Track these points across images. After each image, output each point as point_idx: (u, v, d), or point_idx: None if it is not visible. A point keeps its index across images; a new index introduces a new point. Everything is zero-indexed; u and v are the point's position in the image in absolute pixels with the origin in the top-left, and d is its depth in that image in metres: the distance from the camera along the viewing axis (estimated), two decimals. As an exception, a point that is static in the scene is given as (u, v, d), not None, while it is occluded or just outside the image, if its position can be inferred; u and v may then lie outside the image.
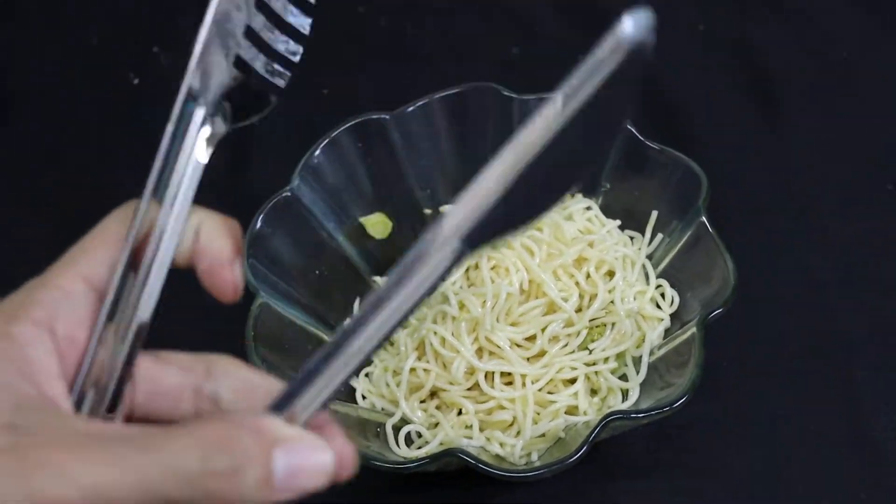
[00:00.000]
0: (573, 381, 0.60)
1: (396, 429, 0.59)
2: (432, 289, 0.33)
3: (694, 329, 0.56)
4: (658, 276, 0.64)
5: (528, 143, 0.32)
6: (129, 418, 0.37)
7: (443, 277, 0.33)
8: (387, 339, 0.34)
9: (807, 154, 0.75)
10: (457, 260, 0.33)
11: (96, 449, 0.30)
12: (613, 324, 0.61)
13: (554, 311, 0.61)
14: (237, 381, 0.37)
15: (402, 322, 0.33)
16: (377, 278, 0.67)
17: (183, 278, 0.40)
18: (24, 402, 0.32)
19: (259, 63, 0.37)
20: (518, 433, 0.59)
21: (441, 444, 0.58)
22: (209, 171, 0.79)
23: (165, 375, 0.37)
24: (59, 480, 0.30)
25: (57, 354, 0.34)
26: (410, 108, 0.67)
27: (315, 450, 0.32)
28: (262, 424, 0.32)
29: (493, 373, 0.60)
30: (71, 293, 0.35)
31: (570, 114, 0.31)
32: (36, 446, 0.30)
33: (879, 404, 0.63)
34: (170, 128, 0.38)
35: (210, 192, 0.76)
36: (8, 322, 0.34)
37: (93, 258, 0.36)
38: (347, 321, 0.36)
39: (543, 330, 0.60)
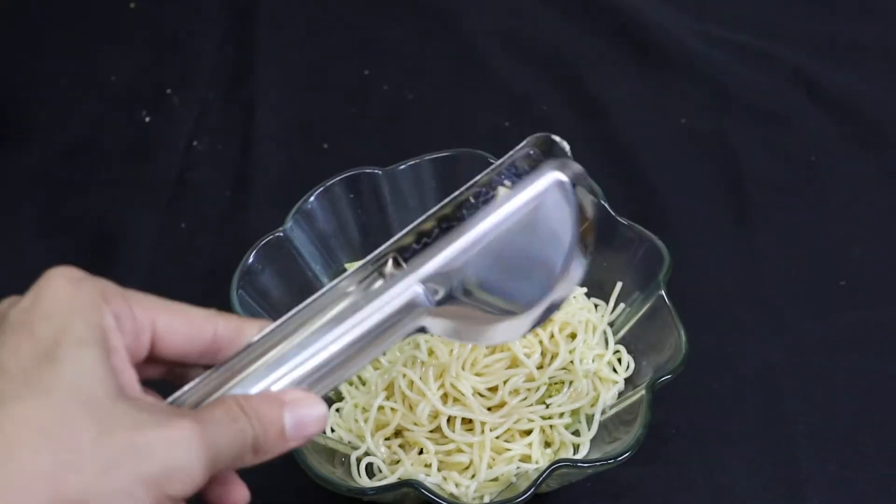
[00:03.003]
0: (529, 432, 0.64)
1: (360, 460, 0.63)
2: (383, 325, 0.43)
3: (643, 391, 0.60)
4: (617, 342, 0.68)
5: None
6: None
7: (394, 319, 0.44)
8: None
9: (769, 246, 0.80)
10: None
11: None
12: (571, 382, 0.65)
13: (517, 365, 0.65)
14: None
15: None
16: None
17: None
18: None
19: None
20: (473, 475, 0.63)
21: (400, 478, 0.62)
22: (206, 210, 0.84)
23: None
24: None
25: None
26: (402, 167, 0.71)
27: (312, 405, 0.41)
28: (273, 394, 0.41)
29: (456, 418, 0.64)
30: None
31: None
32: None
33: (815, 483, 0.67)
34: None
35: (207, 230, 0.82)
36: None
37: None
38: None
39: (505, 382, 0.64)
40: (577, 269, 0.43)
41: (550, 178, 0.43)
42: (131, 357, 0.40)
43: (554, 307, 0.44)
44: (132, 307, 0.40)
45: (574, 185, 0.43)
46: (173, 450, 0.36)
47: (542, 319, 0.44)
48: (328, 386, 0.43)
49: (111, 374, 0.37)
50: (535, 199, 0.43)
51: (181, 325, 0.41)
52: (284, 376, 0.42)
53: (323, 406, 0.42)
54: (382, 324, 0.44)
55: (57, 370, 0.36)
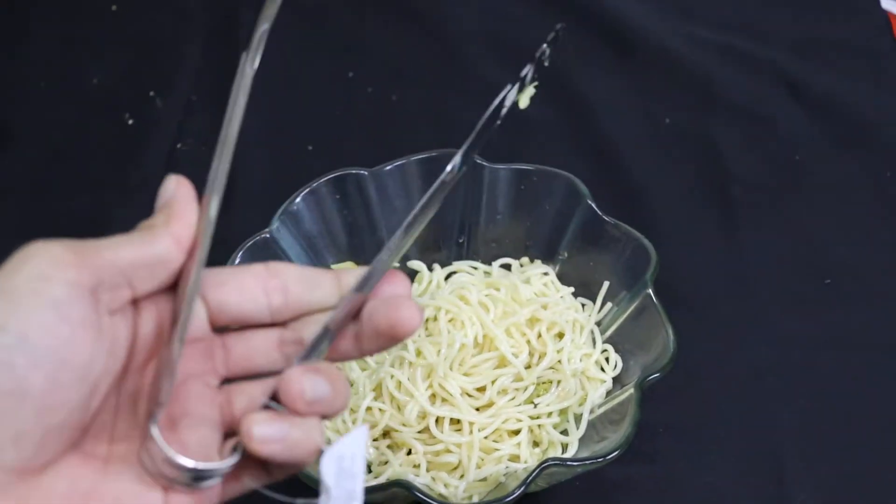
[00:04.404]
0: (517, 431, 0.64)
1: (348, 461, 0.63)
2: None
3: (632, 390, 0.60)
4: (604, 342, 0.68)
5: None
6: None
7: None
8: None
9: (754, 245, 0.80)
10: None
11: None
12: (559, 382, 0.65)
13: (505, 365, 0.65)
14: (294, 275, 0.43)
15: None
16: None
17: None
18: None
19: None
20: (462, 476, 0.63)
21: (389, 479, 0.62)
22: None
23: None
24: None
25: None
26: (388, 167, 0.71)
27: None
28: None
29: (444, 418, 0.64)
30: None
31: None
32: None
33: (801, 481, 0.67)
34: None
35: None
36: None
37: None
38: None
39: (493, 382, 0.64)
40: None
41: None
42: None
43: None
44: None
45: None
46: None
47: None
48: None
49: None
50: None
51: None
52: None
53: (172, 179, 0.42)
54: None
55: None
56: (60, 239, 0.39)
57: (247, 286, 0.42)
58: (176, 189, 0.42)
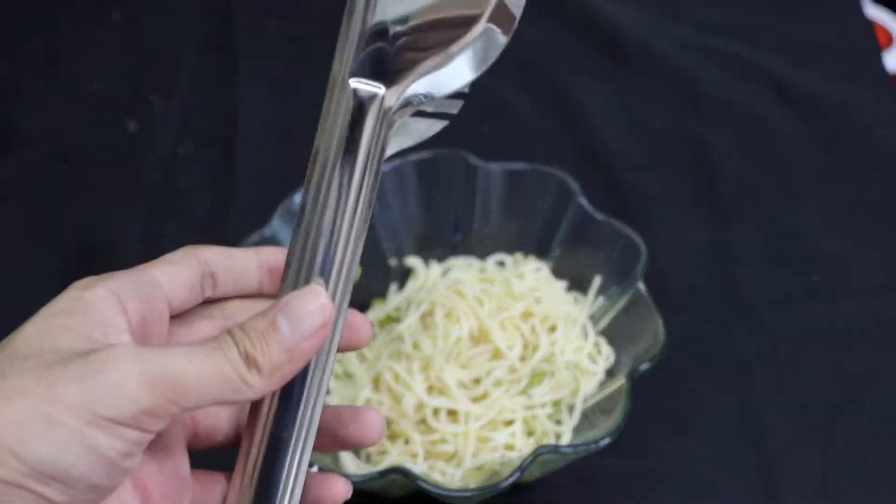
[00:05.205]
0: (512, 422, 0.66)
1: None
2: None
3: (623, 380, 0.62)
4: (597, 335, 0.70)
5: None
6: None
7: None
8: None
9: (742, 243, 0.81)
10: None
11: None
12: (552, 373, 0.67)
13: (499, 357, 0.67)
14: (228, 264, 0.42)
15: None
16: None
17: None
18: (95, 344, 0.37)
19: None
20: (458, 464, 0.64)
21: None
22: (191, 215, 0.84)
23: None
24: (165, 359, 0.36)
25: (125, 316, 0.38)
26: (385, 168, 0.73)
27: (304, 296, 0.38)
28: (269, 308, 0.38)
29: (440, 409, 0.65)
30: (151, 281, 0.40)
31: None
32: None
33: (789, 474, 0.69)
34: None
35: (191, 236, 0.82)
36: (83, 288, 0.38)
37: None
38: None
39: (489, 374, 0.66)
40: None
41: None
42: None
43: None
44: None
45: None
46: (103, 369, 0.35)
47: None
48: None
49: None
50: None
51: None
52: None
53: (321, 296, 0.38)
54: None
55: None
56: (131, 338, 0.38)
57: (178, 278, 0.41)
58: (318, 328, 0.38)
